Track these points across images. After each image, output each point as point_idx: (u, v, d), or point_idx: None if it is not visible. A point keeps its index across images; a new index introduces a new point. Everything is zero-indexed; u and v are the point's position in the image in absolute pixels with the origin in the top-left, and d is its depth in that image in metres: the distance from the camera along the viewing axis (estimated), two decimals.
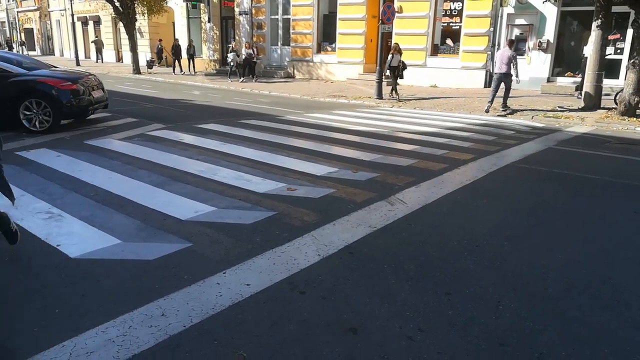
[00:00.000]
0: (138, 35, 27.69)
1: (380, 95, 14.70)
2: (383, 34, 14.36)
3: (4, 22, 49.91)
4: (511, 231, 4.36)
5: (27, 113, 8.29)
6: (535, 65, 16.42)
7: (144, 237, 4.02)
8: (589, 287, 3.34)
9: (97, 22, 35.03)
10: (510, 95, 12.69)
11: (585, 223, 4.69)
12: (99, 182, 5.47)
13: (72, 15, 29.61)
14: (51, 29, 42.45)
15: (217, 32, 25.85)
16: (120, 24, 25.21)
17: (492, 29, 16.93)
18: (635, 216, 4.89)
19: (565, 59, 16.51)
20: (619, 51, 14.99)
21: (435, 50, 18.60)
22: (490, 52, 17.10)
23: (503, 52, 12.02)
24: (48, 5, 41.12)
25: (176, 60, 24.22)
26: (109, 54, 34.58)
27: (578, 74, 15.33)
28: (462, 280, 3.38)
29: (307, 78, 22.12)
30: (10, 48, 42.12)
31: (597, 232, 4.43)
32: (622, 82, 13.14)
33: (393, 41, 18.19)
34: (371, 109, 13.24)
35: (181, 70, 24.15)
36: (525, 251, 3.92)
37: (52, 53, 42.62)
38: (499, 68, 11.98)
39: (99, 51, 33.14)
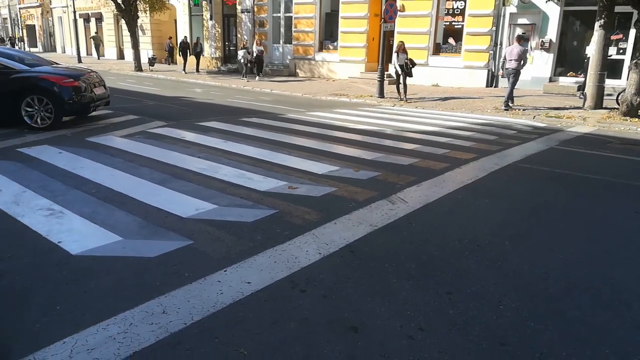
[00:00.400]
0: (140, 33, 27.67)
1: (382, 94, 14.68)
2: (385, 33, 14.33)
3: (6, 18, 49.92)
4: (512, 231, 4.36)
5: (29, 110, 8.29)
6: (537, 65, 16.38)
7: (145, 235, 4.02)
8: (590, 287, 3.34)
9: (99, 19, 35.03)
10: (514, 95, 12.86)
11: (586, 223, 4.69)
12: (100, 179, 5.47)
13: (74, 12, 29.58)
14: (53, 25, 42.46)
15: (219, 30, 25.84)
16: (122, 21, 25.18)
17: (494, 28, 16.90)
18: (637, 216, 4.88)
19: (568, 59, 16.47)
20: (621, 51, 14.95)
21: (437, 49, 18.57)
22: (492, 52, 17.08)
23: (512, 49, 12.28)
24: (50, 1, 41.13)
25: (185, 59, 23.60)
26: (110, 50, 34.64)
27: (580, 74, 15.30)
28: (463, 280, 3.38)
29: (308, 76, 22.11)
30: (13, 45, 42.21)
31: (599, 232, 4.43)
32: (624, 83, 13.10)
33: (395, 40, 18.20)
34: (373, 108, 13.23)
35: (184, 69, 23.57)
36: (527, 251, 3.92)
37: (53, 50, 42.62)
38: (509, 64, 12.27)
39: (97, 47, 33.47)
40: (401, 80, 14.15)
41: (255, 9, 23.60)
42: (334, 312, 2.93)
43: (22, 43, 43.70)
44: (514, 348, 2.63)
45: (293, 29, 22.41)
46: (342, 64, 21.02)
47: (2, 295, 3.05)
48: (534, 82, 16.13)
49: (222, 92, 16.33)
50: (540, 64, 16.38)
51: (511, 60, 12.15)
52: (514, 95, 12.83)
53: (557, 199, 5.38)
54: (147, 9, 23.62)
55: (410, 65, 14.03)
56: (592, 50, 12.21)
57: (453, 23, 17.95)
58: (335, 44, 21.43)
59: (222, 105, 12.91)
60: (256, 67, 20.55)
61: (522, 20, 16.64)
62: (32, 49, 42.73)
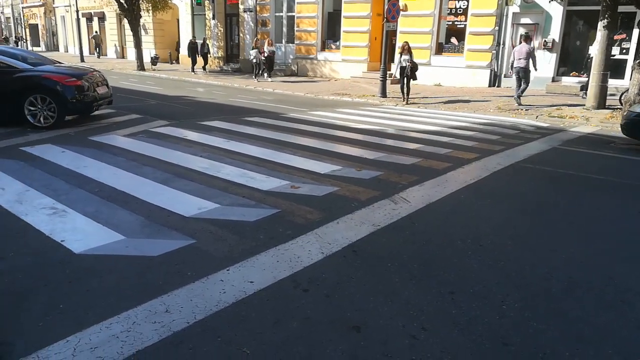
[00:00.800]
0: (142, 32, 27.70)
1: (384, 94, 14.67)
2: (387, 32, 14.31)
3: (9, 17, 50.04)
4: (515, 231, 4.36)
5: (32, 109, 8.31)
6: (540, 65, 16.31)
7: (147, 234, 4.03)
8: (592, 287, 3.34)
9: (102, 18, 35.14)
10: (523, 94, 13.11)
11: (589, 223, 4.68)
12: (103, 178, 5.48)
13: (77, 11, 29.64)
14: (56, 24, 42.55)
15: (222, 30, 25.86)
16: (125, 21, 25.20)
17: (497, 28, 16.87)
18: (639, 216, 4.87)
19: (571, 59, 16.43)
20: (624, 51, 14.91)
21: (439, 49, 18.55)
22: (495, 52, 17.05)
23: (521, 48, 12.62)
24: (53, 1, 41.20)
25: (193, 59, 23.11)
26: (112, 50, 34.74)
27: (583, 74, 15.27)
28: (466, 280, 3.38)
29: (310, 76, 22.11)
30: (18, 44, 42.39)
31: (601, 232, 4.42)
32: (627, 82, 13.06)
33: (398, 39, 18.20)
34: (375, 107, 13.23)
35: (192, 69, 23.06)
36: (529, 251, 3.92)
37: (56, 49, 42.72)
38: (518, 63, 12.61)
39: (97, 46, 33.79)
40: (405, 82, 13.75)
41: (258, 8, 23.60)
42: (336, 312, 2.93)
43: (21, 42, 43.75)
44: (516, 348, 2.63)
45: (295, 29, 22.41)
46: (345, 64, 21.01)
47: (5, 293, 3.06)
48: (536, 82, 16.05)
49: (225, 92, 16.34)
50: (543, 63, 16.31)
51: (520, 59, 12.52)
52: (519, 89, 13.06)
53: (560, 199, 5.37)
54: (150, 8, 23.64)
55: (414, 69, 13.53)
56: (595, 50, 12.20)
57: (456, 23, 17.92)
58: (337, 43, 21.42)
59: (225, 105, 12.92)
60: (267, 67, 20.11)
61: (525, 20, 16.61)
62: (35, 48, 42.84)
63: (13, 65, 8.47)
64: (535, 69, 12.83)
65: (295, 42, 22.57)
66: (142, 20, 24.74)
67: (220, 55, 26.08)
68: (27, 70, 8.53)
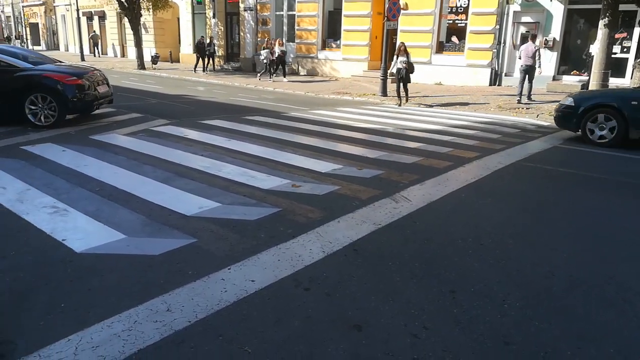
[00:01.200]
0: (143, 31, 27.70)
1: (384, 93, 14.66)
2: (388, 31, 14.31)
3: (10, 16, 50.02)
4: (516, 229, 4.35)
5: (33, 108, 8.31)
6: (541, 63, 16.33)
7: (149, 233, 4.03)
8: (594, 286, 3.33)
9: (102, 17, 35.16)
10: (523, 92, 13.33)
11: (590, 222, 4.68)
12: (104, 177, 5.48)
13: (77, 10, 29.64)
14: (56, 23, 42.55)
15: (222, 28, 25.85)
16: (125, 19, 25.19)
17: (498, 26, 16.85)
18: None
19: (572, 58, 16.41)
20: (625, 50, 14.89)
21: (440, 48, 18.54)
22: (495, 50, 17.03)
23: (528, 47, 12.98)
24: (53, 0, 41.19)
25: (200, 58, 22.78)
26: (113, 49, 34.79)
27: (584, 73, 15.25)
28: (467, 278, 3.38)
29: (311, 75, 22.10)
30: (21, 42, 42.49)
31: (602, 231, 4.42)
32: (628, 81, 13.06)
33: (398, 38, 18.17)
34: (376, 106, 13.22)
35: (202, 69, 22.76)
36: (530, 249, 3.91)
37: (57, 48, 42.72)
38: (525, 61, 13.00)
39: (95, 45, 34.09)
40: (401, 84, 13.30)
41: (258, 7, 23.60)
42: (337, 311, 2.93)
43: (17, 41, 43.72)
44: (518, 347, 2.63)
45: (296, 27, 22.40)
46: (345, 63, 21.00)
47: (6, 292, 3.06)
48: (537, 81, 15.97)
49: (225, 91, 16.34)
50: (544, 62, 16.28)
51: (528, 57, 12.88)
52: (520, 92, 13.25)
53: (561, 198, 5.37)
54: (150, 7, 23.63)
55: (410, 71, 13.16)
56: (596, 48, 12.19)
57: (456, 21, 17.91)
58: (338, 42, 21.41)
59: (225, 104, 12.92)
60: (280, 67, 19.73)
61: (526, 19, 16.59)
62: (36, 47, 42.82)
63: (14, 64, 8.47)
64: (540, 70, 13.06)
65: (296, 41, 22.56)
66: (142, 19, 24.73)
67: (220, 54, 26.06)
68: (28, 69, 8.53)
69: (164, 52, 29.11)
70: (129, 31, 27.72)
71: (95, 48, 34.06)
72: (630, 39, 14.71)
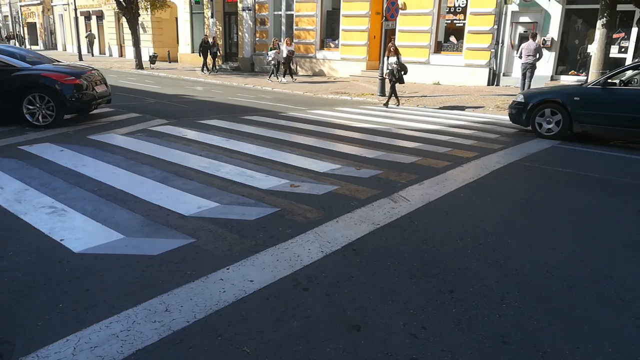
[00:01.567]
0: (141, 31, 27.66)
1: (383, 93, 14.66)
2: (386, 31, 14.31)
3: (7, 16, 49.90)
4: (514, 229, 4.36)
5: (30, 107, 8.29)
6: (539, 64, 16.32)
7: (147, 233, 4.03)
8: (592, 286, 3.34)
9: (100, 17, 35.12)
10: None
11: (588, 221, 4.69)
12: (102, 177, 5.47)
13: (75, 9, 29.59)
14: (54, 23, 42.47)
15: (220, 28, 25.82)
16: (123, 19, 25.15)
17: (496, 26, 16.87)
18: (639, 215, 4.87)
19: (569, 58, 16.44)
20: (623, 50, 14.92)
21: (438, 48, 18.55)
22: (494, 50, 17.05)
23: (529, 45, 13.20)
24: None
25: (205, 58, 22.28)
26: (111, 48, 34.76)
27: (582, 73, 15.28)
28: (466, 278, 3.38)
29: (309, 74, 22.09)
30: (21, 42, 42.45)
31: (601, 231, 4.42)
32: None
33: (397, 38, 18.19)
34: (374, 106, 13.22)
35: (209, 70, 22.43)
36: (529, 249, 3.92)
37: (54, 47, 42.63)
38: (526, 59, 13.26)
39: (90, 44, 34.20)
40: (392, 84, 12.94)
41: (257, 7, 23.58)
42: (336, 311, 2.93)
43: (13, 40, 43.62)
44: (516, 346, 2.63)
45: (294, 27, 22.39)
46: (343, 62, 21.01)
47: (4, 292, 3.05)
48: (535, 81, 16.00)
49: (223, 90, 16.32)
50: (542, 62, 16.30)
51: (529, 55, 13.12)
52: (524, 86, 13.40)
53: (559, 198, 5.37)
54: (148, 6, 23.59)
55: (401, 71, 12.88)
56: (594, 48, 12.22)
57: (454, 21, 17.93)
58: (336, 42, 21.42)
59: (223, 103, 12.91)
60: (288, 68, 19.18)
61: (524, 19, 16.61)
62: (33, 47, 42.73)
63: (11, 64, 8.45)
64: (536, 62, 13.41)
65: (294, 40, 22.53)
66: (140, 19, 24.70)
67: (219, 54, 26.01)
68: (26, 69, 8.51)
69: (162, 52, 29.06)
70: (127, 31, 27.70)
71: (91, 47, 34.09)
72: (628, 39, 14.74)
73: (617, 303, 3.13)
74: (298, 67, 22.59)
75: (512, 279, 3.39)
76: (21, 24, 46.45)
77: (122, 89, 15.09)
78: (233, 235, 4.00)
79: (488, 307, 3.01)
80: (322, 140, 8.07)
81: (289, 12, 22.69)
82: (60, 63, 10.01)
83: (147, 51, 27.56)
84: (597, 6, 12.06)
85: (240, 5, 24.20)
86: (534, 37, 13.46)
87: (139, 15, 23.43)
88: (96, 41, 35.43)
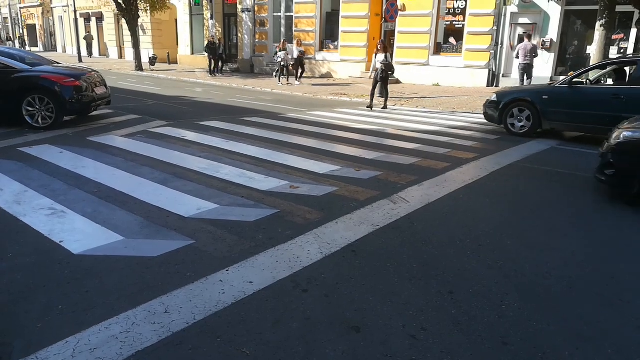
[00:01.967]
0: (141, 32, 27.67)
1: (382, 94, 14.63)
2: (386, 32, 14.33)
3: (7, 18, 49.93)
4: (514, 230, 4.36)
5: (30, 109, 8.29)
6: (538, 65, 16.33)
7: (146, 234, 4.02)
8: (592, 286, 3.34)
9: (100, 18, 35.12)
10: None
11: (588, 222, 4.69)
12: (101, 179, 5.47)
13: (75, 11, 29.58)
14: (54, 25, 42.46)
15: (220, 30, 25.82)
16: (123, 21, 25.15)
17: (495, 27, 16.88)
18: (638, 216, 4.87)
19: (569, 59, 16.45)
20: (622, 51, 14.93)
21: (438, 49, 18.55)
22: (493, 51, 17.06)
23: (526, 45, 13.52)
24: (51, 1, 41.13)
25: (212, 59, 21.72)
26: (111, 50, 34.80)
27: None
28: (465, 279, 3.38)
29: (309, 76, 22.09)
30: (23, 44, 42.55)
31: (600, 232, 4.43)
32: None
33: (396, 39, 18.19)
34: (374, 107, 13.19)
35: (218, 71, 22.02)
36: (528, 250, 3.92)
37: (54, 49, 42.63)
38: (524, 60, 13.55)
39: (89, 46, 34.48)
40: (380, 85, 12.63)
41: (256, 9, 23.59)
42: (336, 312, 2.93)
43: (11, 42, 43.64)
44: (516, 347, 2.63)
45: (294, 29, 22.39)
46: (343, 64, 21.01)
47: (4, 294, 3.05)
48: (535, 82, 16.10)
49: (223, 92, 16.33)
50: (541, 63, 16.32)
51: (526, 56, 13.44)
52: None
53: (559, 199, 5.37)
54: (148, 8, 23.59)
55: (387, 71, 12.47)
56: (593, 49, 12.24)
57: (454, 22, 17.93)
58: (336, 43, 21.42)
59: (223, 105, 12.91)
60: (297, 69, 18.82)
61: (523, 20, 16.62)
62: (33, 49, 42.73)
63: (11, 66, 8.45)
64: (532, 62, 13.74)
65: (294, 42, 22.53)
66: (140, 21, 24.69)
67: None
68: (25, 71, 8.51)
69: (162, 54, 29.05)
70: (126, 32, 27.69)
71: (89, 48, 34.20)
72: (627, 40, 14.74)
73: (617, 303, 3.13)
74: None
75: (511, 280, 3.39)
76: (21, 26, 46.47)
77: (122, 90, 15.09)
78: (232, 236, 4.00)
79: (488, 308, 3.01)
80: (322, 141, 8.08)
81: (288, 14, 22.70)
82: (60, 65, 10.01)
83: (146, 53, 27.56)
84: (597, 7, 12.07)
85: (239, 7, 24.22)
86: (529, 37, 13.78)
87: (139, 16, 23.44)
88: (96, 43, 35.48)
